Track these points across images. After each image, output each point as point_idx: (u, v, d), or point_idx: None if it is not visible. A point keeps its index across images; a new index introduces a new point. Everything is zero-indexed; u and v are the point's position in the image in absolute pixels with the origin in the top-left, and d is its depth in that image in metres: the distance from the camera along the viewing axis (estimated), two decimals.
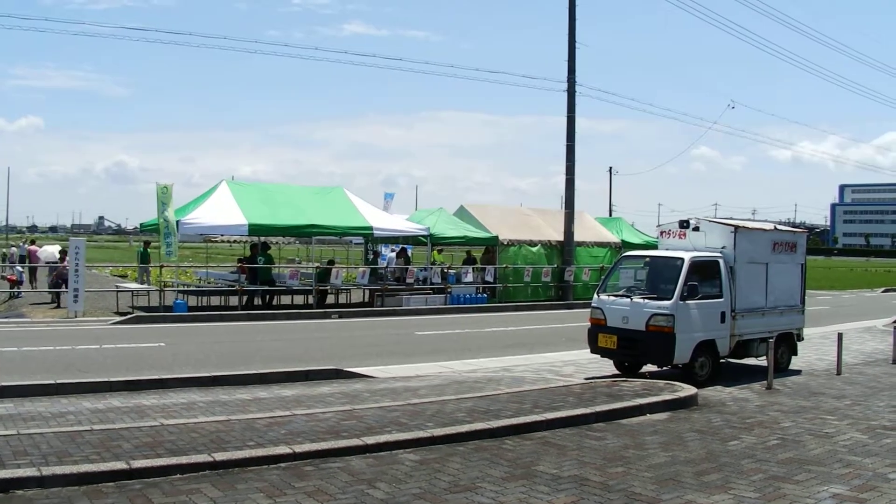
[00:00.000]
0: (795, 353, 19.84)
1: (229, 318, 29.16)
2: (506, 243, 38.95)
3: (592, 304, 18.47)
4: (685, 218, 18.95)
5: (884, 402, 15.32)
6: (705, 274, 17.67)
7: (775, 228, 19.61)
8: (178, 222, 30.00)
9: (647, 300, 17.30)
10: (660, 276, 18.01)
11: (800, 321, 19.88)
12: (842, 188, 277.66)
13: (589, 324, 18.50)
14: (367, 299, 36.59)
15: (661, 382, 16.22)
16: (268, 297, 33.30)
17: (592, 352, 18.51)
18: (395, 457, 10.66)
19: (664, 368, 18.32)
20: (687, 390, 15.21)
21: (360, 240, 43.36)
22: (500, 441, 11.77)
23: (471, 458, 10.76)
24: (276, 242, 43.39)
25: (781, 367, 18.92)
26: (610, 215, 66.59)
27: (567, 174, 40.54)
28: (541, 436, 12.19)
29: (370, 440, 11.07)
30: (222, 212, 31.25)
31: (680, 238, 18.92)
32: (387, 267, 38.44)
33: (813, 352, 22.50)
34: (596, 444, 11.74)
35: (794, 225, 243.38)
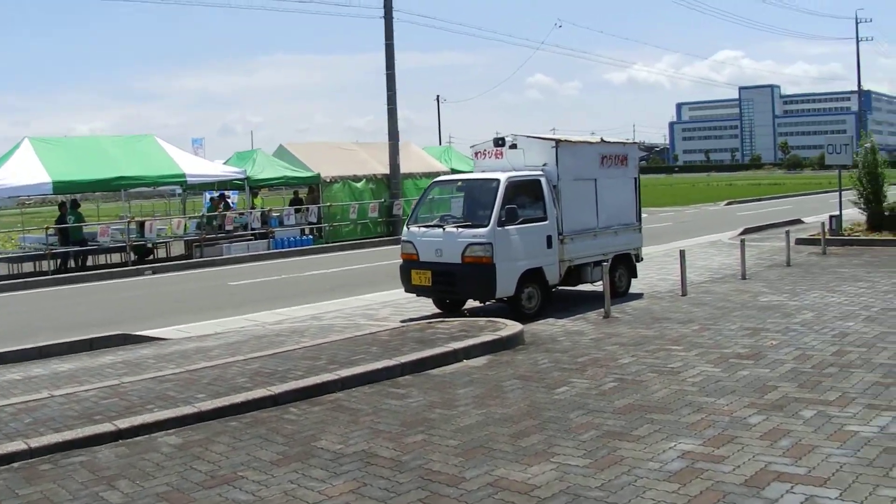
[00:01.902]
0: (635, 276, 17.90)
1: (37, 284, 26.44)
2: (328, 180, 36.92)
3: (402, 238, 16.26)
4: (500, 136, 16.76)
5: (736, 325, 13.35)
6: (526, 196, 15.63)
7: (602, 141, 17.50)
8: None
9: (461, 229, 15.13)
10: (475, 201, 15.92)
11: (637, 240, 17.92)
12: (679, 106, 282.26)
13: (401, 260, 16.25)
14: (187, 251, 34.19)
15: (483, 320, 14.11)
16: (80, 258, 30.80)
17: (407, 291, 16.36)
18: (153, 442, 8.72)
19: (488, 304, 16.21)
20: (510, 328, 13.10)
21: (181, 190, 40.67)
22: (284, 410, 9.73)
23: (242, 436, 8.73)
24: (94, 200, 40.58)
25: (620, 292, 17.05)
26: (439, 144, 64.65)
27: (389, 104, 38.62)
28: (333, 399, 10.12)
29: (124, 424, 9.04)
30: (24, 171, 28.80)
31: (496, 158, 16.71)
32: (202, 215, 35.80)
33: (655, 272, 20.71)
34: (396, 405, 9.66)
35: None
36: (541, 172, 15.75)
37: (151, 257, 32.97)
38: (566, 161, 15.97)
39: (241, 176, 34.61)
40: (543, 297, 15.54)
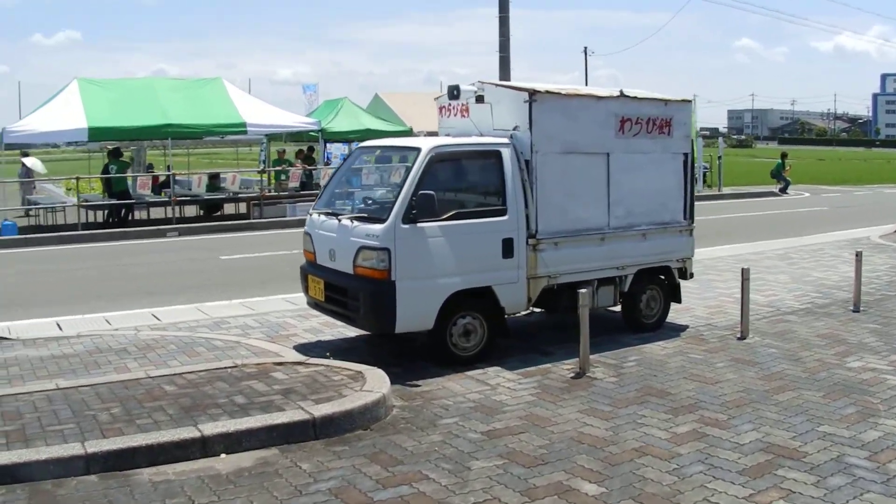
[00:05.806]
0: (677, 300, 11.99)
1: (62, 240, 23.57)
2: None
3: (305, 229, 10.97)
4: (456, 84, 11.08)
5: (758, 433, 7.44)
6: (475, 176, 10.40)
7: (622, 95, 11.22)
8: (2, 131, 25.20)
9: (356, 223, 9.72)
10: (388, 181, 10.83)
11: (684, 247, 11.86)
12: (884, 77, 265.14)
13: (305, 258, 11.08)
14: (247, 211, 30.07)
15: (348, 372, 8.82)
16: (123, 212, 27.43)
17: (308, 303, 11.05)
18: None
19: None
20: (358, 398, 7.76)
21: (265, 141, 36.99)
22: None
23: None
24: (183, 148, 37.92)
25: (649, 324, 11.51)
26: None
27: (501, 51, 33.30)
28: None
29: None
30: (62, 115, 26.00)
31: (462, 116, 11.21)
32: (263, 170, 31.70)
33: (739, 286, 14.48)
34: None
35: (836, 117, 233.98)
36: (505, 140, 10.14)
37: (219, 213, 29.70)
38: (548, 124, 10.24)
39: (315, 127, 30.97)
40: (492, 331, 10.03)
